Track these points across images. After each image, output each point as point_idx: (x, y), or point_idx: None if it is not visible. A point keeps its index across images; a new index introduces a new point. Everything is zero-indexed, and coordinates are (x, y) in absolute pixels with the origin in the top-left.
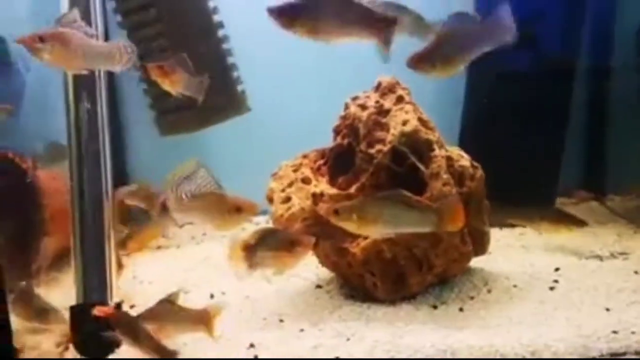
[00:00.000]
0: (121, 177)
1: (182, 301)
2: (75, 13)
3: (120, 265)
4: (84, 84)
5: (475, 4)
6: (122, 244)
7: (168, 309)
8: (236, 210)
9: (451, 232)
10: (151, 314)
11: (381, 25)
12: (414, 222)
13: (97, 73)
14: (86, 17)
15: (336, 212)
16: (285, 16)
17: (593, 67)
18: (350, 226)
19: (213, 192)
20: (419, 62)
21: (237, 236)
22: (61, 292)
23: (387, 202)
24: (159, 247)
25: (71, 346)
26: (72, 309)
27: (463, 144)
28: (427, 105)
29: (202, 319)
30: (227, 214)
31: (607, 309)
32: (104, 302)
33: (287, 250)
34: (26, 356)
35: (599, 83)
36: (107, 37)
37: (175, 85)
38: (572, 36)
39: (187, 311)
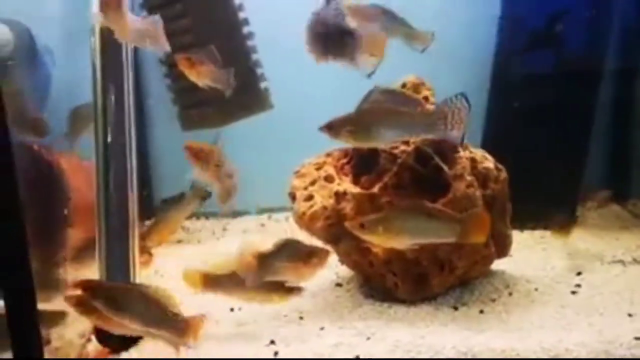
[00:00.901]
0: (143, 170)
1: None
2: None
3: (150, 254)
4: (111, 78)
5: (502, 5)
6: (142, 238)
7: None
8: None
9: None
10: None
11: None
12: (438, 233)
13: (124, 66)
14: None
15: (362, 226)
16: None
17: (618, 68)
18: (376, 239)
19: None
20: (328, 129)
21: (249, 242)
22: None
23: (412, 214)
24: (179, 242)
25: (93, 337)
26: None
27: (486, 145)
28: None
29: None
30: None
31: (630, 315)
32: None
33: (303, 262)
34: (50, 346)
35: (623, 84)
36: None
37: (202, 77)
38: (597, 36)
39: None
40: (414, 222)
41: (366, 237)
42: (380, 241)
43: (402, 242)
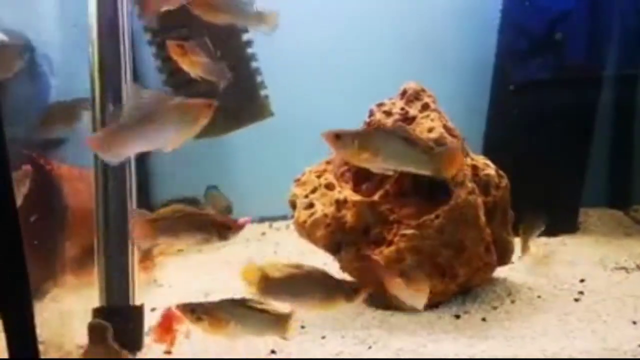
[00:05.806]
0: (141, 179)
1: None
2: None
3: (152, 260)
4: (109, 87)
5: (502, 11)
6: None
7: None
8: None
9: (475, 240)
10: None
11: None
12: (414, 162)
13: (122, 76)
14: (114, 20)
15: (337, 137)
16: None
17: (619, 73)
18: (350, 154)
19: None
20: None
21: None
22: (81, 294)
23: (390, 137)
24: (179, 251)
25: None
26: (95, 311)
27: (487, 151)
28: (453, 112)
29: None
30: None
31: (634, 322)
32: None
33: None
34: (50, 356)
35: (624, 89)
36: (133, 41)
37: (194, 66)
38: (598, 42)
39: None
40: (391, 145)
41: (339, 150)
42: (352, 157)
43: (374, 163)
